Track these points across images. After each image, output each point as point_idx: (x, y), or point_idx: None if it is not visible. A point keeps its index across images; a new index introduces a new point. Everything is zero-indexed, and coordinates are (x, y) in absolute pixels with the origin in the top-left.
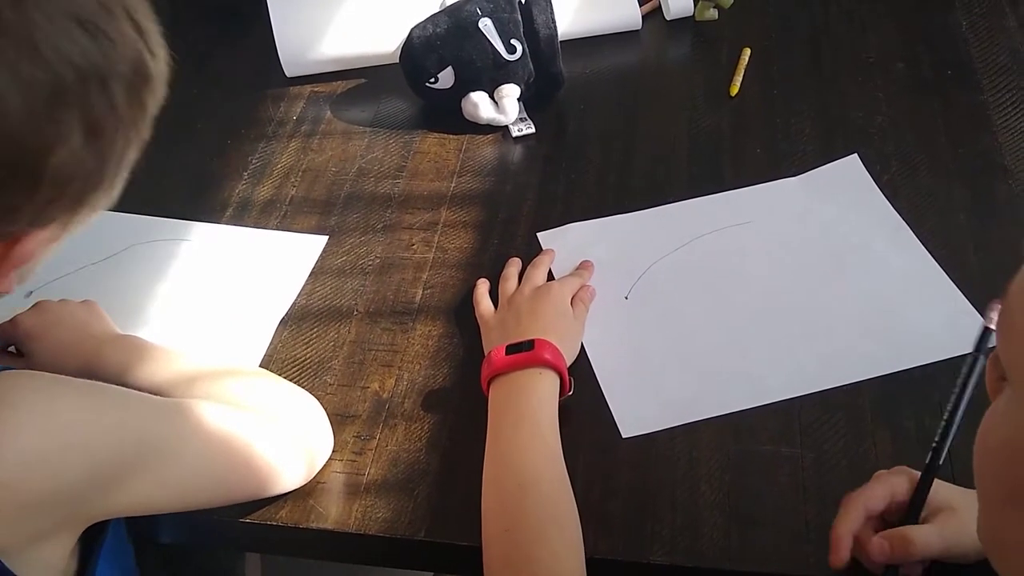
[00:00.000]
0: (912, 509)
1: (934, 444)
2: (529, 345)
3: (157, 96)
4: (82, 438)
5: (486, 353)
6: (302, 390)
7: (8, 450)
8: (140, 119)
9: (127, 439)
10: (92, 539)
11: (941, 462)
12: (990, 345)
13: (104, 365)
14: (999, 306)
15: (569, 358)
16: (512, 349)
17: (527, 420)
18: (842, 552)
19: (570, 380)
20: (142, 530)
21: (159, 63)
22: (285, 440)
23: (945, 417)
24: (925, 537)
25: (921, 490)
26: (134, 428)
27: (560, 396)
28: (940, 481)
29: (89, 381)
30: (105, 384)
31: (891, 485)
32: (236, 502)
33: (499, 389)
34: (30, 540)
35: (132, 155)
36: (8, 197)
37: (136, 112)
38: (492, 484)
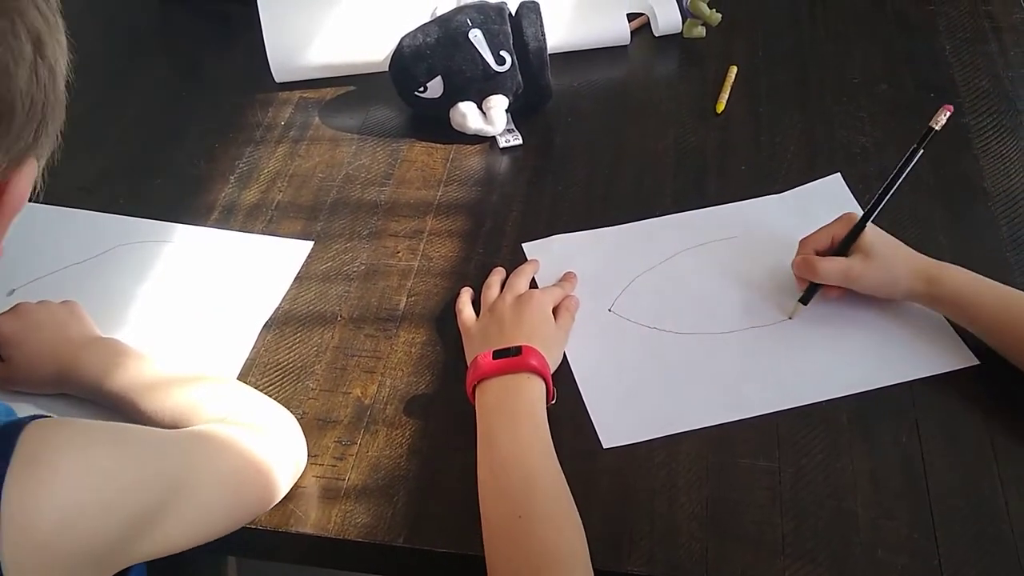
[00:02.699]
0: (839, 246)
1: (872, 203)
2: (516, 351)
3: None
4: (117, 490)
5: (468, 360)
6: (272, 401)
7: (48, 508)
8: (58, 22)
9: (154, 483)
10: None
11: (871, 219)
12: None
13: (81, 370)
14: (948, 110)
15: (551, 366)
16: (499, 354)
17: (524, 419)
18: (796, 267)
19: (553, 389)
20: None
21: None
22: (275, 451)
23: (884, 185)
24: (828, 264)
25: (850, 234)
26: (159, 470)
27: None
28: (879, 231)
29: (115, 424)
30: (128, 425)
31: (832, 229)
32: (244, 523)
33: (487, 393)
34: None
35: (64, 64)
36: None
37: (56, 16)
38: (494, 480)
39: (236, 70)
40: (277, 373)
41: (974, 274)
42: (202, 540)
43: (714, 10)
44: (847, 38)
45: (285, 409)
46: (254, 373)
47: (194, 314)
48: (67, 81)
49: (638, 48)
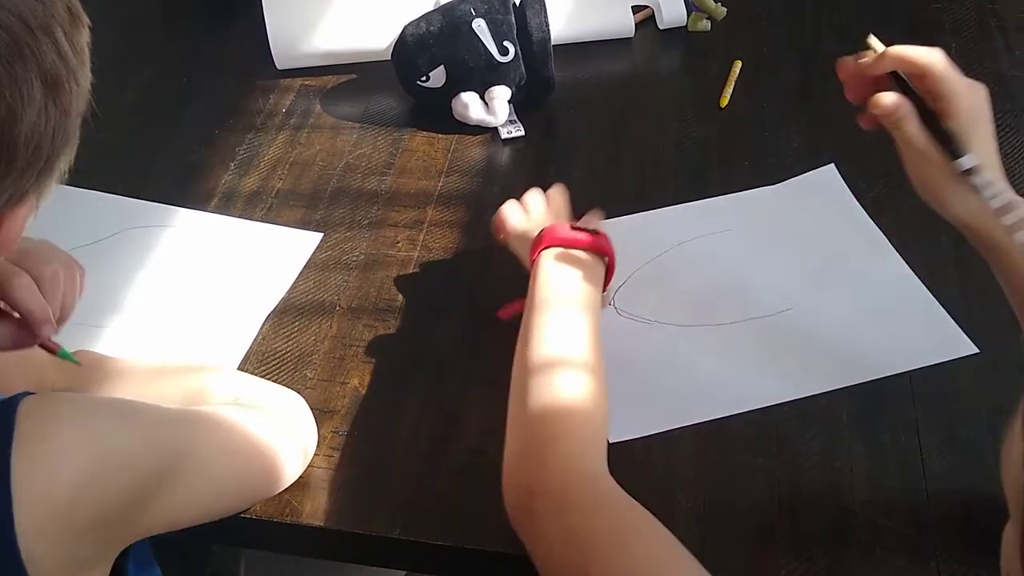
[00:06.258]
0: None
1: None
2: (594, 231)
3: (86, 38)
4: (124, 456)
5: (522, 254)
6: (280, 386)
7: (60, 479)
8: (82, 65)
9: (161, 453)
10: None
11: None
12: None
13: (66, 383)
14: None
15: None
16: (576, 229)
17: (569, 304)
18: (847, 76)
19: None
20: None
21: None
22: (283, 433)
23: None
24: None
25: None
26: (162, 439)
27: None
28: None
29: (113, 398)
30: (125, 399)
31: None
32: (252, 504)
33: (548, 263)
34: (75, 569)
35: (82, 106)
36: None
37: (78, 57)
38: (519, 360)
39: (237, 56)
40: (275, 362)
41: None
42: (207, 517)
43: (719, 4)
44: (851, 34)
45: (295, 393)
46: (252, 362)
47: (199, 302)
48: (85, 117)
49: (642, 41)
